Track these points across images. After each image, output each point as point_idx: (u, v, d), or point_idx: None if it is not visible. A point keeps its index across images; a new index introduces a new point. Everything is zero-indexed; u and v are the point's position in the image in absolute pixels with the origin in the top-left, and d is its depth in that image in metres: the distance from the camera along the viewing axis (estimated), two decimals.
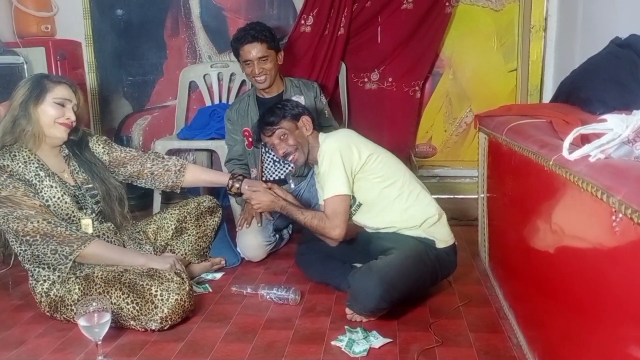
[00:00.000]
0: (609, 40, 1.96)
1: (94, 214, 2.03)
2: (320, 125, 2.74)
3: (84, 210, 2.01)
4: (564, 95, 2.07)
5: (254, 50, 2.59)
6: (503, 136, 1.83)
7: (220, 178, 2.36)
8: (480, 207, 2.39)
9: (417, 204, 2.05)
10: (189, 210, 2.38)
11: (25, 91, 1.97)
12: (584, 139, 1.20)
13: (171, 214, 2.35)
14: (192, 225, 2.38)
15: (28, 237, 1.85)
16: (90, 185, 2.06)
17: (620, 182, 0.97)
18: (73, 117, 2.01)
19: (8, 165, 1.91)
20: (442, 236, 2.03)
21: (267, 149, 2.73)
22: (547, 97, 3.00)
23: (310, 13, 3.12)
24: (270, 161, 2.77)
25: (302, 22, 3.13)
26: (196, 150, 3.39)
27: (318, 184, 2.22)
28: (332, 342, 1.74)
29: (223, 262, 2.44)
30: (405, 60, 3.20)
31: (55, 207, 1.94)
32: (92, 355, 1.68)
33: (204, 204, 2.43)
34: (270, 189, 2.22)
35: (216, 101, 3.36)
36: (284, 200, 2.18)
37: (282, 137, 2.13)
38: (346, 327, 1.81)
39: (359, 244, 2.15)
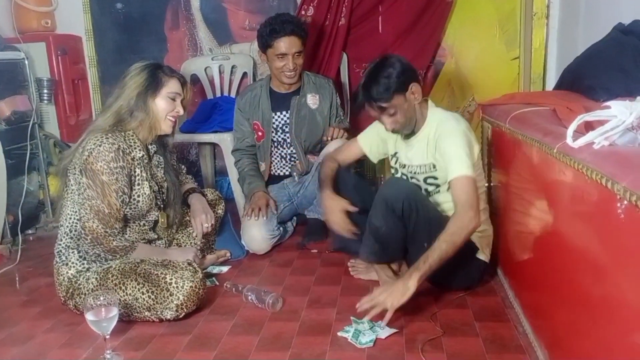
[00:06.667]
0: (612, 26, 1.94)
1: (159, 211, 2.10)
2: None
3: (158, 206, 2.09)
4: (567, 82, 2.06)
5: (291, 45, 2.51)
6: (506, 125, 1.83)
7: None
8: (484, 197, 2.38)
9: (485, 213, 2.03)
10: None
11: (141, 81, 1.98)
12: (588, 126, 1.20)
13: None
14: None
15: (82, 231, 1.91)
16: (164, 184, 2.13)
17: (624, 169, 0.96)
18: (182, 111, 2.06)
19: (126, 149, 1.93)
20: (485, 250, 2.02)
21: (275, 145, 2.73)
22: (550, 85, 2.99)
23: (310, 3, 3.11)
24: (277, 156, 2.77)
25: (303, 12, 3.12)
26: (199, 143, 3.38)
27: (411, 151, 2.05)
28: (339, 333, 1.75)
29: (228, 254, 2.44)
30: (407, 50, 3.16)
31: (142, 202, 1.99)
32: (100, 349, 1.69)
33: (207, 197, 2.42)
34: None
35: (218, 94, 3.35)
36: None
37: (391, 114, 1.92)
38: (352, 317, 1.81)
39: None
